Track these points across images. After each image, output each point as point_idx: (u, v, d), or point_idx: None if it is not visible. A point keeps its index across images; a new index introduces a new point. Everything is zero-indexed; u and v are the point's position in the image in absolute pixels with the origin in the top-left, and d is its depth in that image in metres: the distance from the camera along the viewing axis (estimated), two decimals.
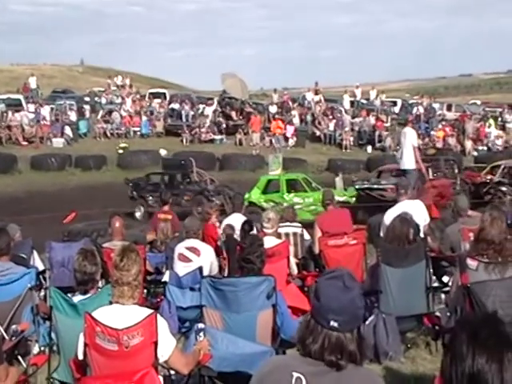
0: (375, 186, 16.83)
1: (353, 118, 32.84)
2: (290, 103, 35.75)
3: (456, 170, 20.07)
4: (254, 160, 27.36)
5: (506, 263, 4.86)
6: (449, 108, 37.92)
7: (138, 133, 32.04)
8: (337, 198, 16.87)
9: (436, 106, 35.99)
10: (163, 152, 26.73)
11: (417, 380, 4.95)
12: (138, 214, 18.73)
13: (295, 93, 44.18)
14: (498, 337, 1.99)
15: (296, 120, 32.81)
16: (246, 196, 17.62)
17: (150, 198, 18.93)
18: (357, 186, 17.05)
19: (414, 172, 13.44)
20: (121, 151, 28.85)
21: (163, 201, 10.90)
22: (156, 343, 3.72)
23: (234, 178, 21.58)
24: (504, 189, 17.06)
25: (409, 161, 13.20)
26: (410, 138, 13.42)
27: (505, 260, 4.88)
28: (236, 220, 8.52)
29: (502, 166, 18.52)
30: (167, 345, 3.77)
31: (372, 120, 31.88)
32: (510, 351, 1.98)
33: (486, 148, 29.14)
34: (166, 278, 6.94)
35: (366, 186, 17.05)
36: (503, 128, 32.05)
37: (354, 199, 16.82)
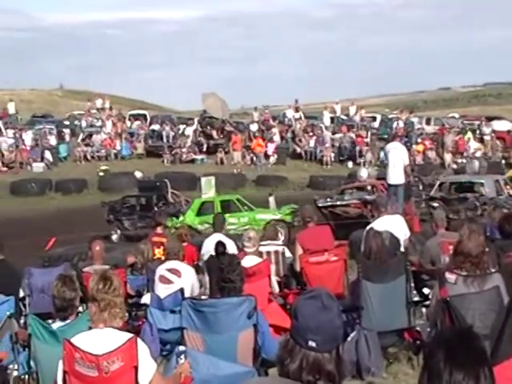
0: (338, 203, 16.76)
1: (333, 134, 33.03)
2: (271, 121, 35.92)
3: (421, 187, 20.07)
4: (235, 179, 27.39)
5: (484, 276, 4.89)
6: (428, 122, 38.28)
7: (119, 155, 31.96)
8: (272, 216, 17.21)
9: (415, 120, 36.29)
10: (138, 174, 26.67)
11: None
12: (114, 237, 18.76)
13: (275, 110, 44.39)
14: (474, 353, 2.00)
15: (277, 137, 32.94)
16: (181, 219, 17.72)
17: (126, 220, 19.02)
18: (320, 204, 16.84)
19: (402, 187, 13.56)
20: (101, 174, 28.75)
21: (156, 222, 10.53)
22: (136, 368, 3.70)
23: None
24: (435, 204, 16.46)
25: (398, 176, 13.31)
26: (400, 153, 13.53)
27: (483, 273, 4.92)
28: (217, 240, 8.50)
29: (439, 182, 18.28)
30: (148, 369, 3.75)
31: (352, 136, 32.10)
32: (486, 367, 1.99)
33: (464, 161, 29.38)
34: (146, 300, 6.91)
35: (328, 203, 16.99)
36: (481, 140, 32.40)
37: (289, 217, 16.93)
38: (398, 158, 13.31)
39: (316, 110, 42.96)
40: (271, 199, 19.16)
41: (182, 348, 4.14)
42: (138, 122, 35.44)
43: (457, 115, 44.35)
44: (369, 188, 17.69)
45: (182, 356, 4.02)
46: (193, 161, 31.19)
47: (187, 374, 3.97)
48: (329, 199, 17.37)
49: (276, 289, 7.43)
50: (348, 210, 16.28)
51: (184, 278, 7.04)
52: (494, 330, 4.73)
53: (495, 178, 18.45)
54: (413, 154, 29.98)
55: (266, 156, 31.06)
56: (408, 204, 16.58)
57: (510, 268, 6.14)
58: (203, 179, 21.41)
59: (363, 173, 19.10)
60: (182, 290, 6.60)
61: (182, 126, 34.04)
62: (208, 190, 20.52)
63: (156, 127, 34.03)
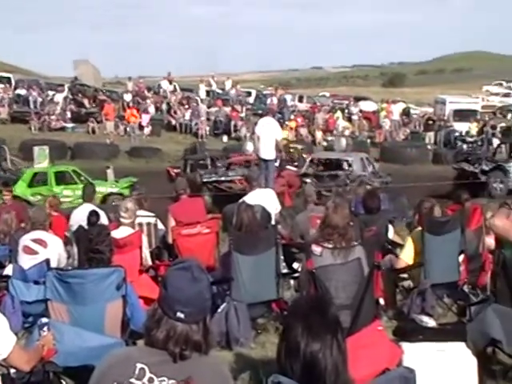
0: (223, 179, 17.04)
1: (208, 107, 33.06)
2: (146, 91, 35.29)
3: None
4: (108, 149, 26.72)
5: (348, 248, 5.10)
6: (300, 99, 39.36)
7: None
8: (109, 189, 17.05)
9: (288, 97, 37.11)
10: None
11: (266, 364, 5.08)
12: None
13: (150, 81, 43.68)
14: (328, 321, 2.07)
15: (151, 109, 32.45)
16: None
17: None
18: (204, 179, 17.06)
19: (273, 162, 13.75)
20: None
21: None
22: None
23: (87, 167, 20.89)
24: (308, 180, 16.87)
25: (270, 151, 13.42)
26: (273, 128, 13.60)
27: (348, 245, 5.12)
28: (87, 211, 8.27)
29: (310, 158, 18.85)
30: (6, 342, 3.59)
31: (227, 110, 32.27)
32: (340, 334, 2.07)
33: (334, 139, 30.43)
34: (9, 271, 6.59)
35: (213, 178, 17.18)
36: (349, 119, 33.73)
37: (127, 191, 16.51)
38: (269, 133, 13.43)
39: (192, 82, 42.74)
40: (109, 171, 18.73)
41: (44, 320, 4.00)
42: (1, 85, 33.52)
43: (327, 94, 45.95)
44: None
45: (45, 328, 3.88)
46: (63, 129, 30.02)
47: (50, 346, 3.84)
48: (213, 175, 17.50)
49: (148, 261, 7.35)
50: (232, 186, 16.49)
51: (50, 249, 6.80)
52: (354, 299, 4.98)
53: (360, 156, 19.32)
54: (285, 130, 30.71)
55: (141, 127, 30.51)
56: (291, 175, 17.06)
57: (371, 241, 6.47)
58: (36, 148, 20.60)
59: (249, 146, 19.34)
60: (47, 261, 6.38)
61: (51, 93, 32.65)
62: (42, 160, 19.80)
63: (22, 92, 32.39)
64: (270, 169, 13.40)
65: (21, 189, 16.85)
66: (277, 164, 14.84)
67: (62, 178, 17.67)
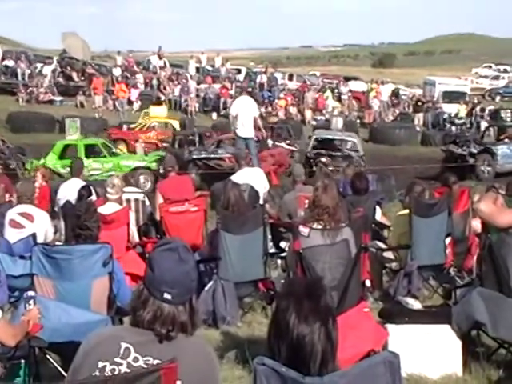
0: (212, 156, 17.06)
1: (198, 84, 32.85)
2: (135, 66, 34.97)
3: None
4: (97, 123, 26.47)
5: (337, 229, 5.09)
6: (290, 78, 39.21)
7: None
8: (137, 163, 17.11)
9: (278, 75, 36.94)
10: None
11: (252, 343, 5.10)
12: None
13: (140, 56, 43.30)
14: (319, 310, 2.06)
15: (141, 84, 32.19)
16: (41, 161, 17.10)
17: None
18: (194, 156, 17.12)
19: (253, 140, 13.69)
20: None
21: None
22: None
23: None
24: (323, 160, 17.13)
25: (248, 129, 13.35)
26: (250, 106, 13.54)
27: (337, 225, 5.12)
28: (75, 185, 8.24)
29: (314, 137, 18.81)
30: None
31: (217, 87, 32.09)
32: (331, 323, 2.07)
33: (323, 118, 30.42)
34: None
35: (203, 155, 17.20)
36: (339, 99, 33.64)
37: (154, 164, 16.69)
38: (247, 111, 13.35)
39: (182, 58, 42.41)
40: (138, 145, 18.93)
41: (31, 293, 3.97)
42: None
43: (317, 73, 45.76)
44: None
45: (31, 302, 3.85)
46: (51, 102, 29.72)
47: (36, 321, 3.82)
48: (203, 152, 17.50)
49: (135, 237, 7.34)
50: (221, 164, 16.53)
51: (37, 223, 6.76)
52: (341, 281, 4.99)
53: (357, 137, 19.42)
54: (275, 109, 30.61)
55: (129, 102, 30.28)
56: (282, 154, 17.07)
57: (359, 222, 6.47)
58: (67, 120, 20.58)
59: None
60: (34, 235, 6.34)
61: (39, 65, 32.27)
62: (73, 132, 19.79)
63: (10, 63, 32.01)
64: (251, 147, 13.34)
65: (51, 161, 16.83)
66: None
67: (91, 151, 17.64)
